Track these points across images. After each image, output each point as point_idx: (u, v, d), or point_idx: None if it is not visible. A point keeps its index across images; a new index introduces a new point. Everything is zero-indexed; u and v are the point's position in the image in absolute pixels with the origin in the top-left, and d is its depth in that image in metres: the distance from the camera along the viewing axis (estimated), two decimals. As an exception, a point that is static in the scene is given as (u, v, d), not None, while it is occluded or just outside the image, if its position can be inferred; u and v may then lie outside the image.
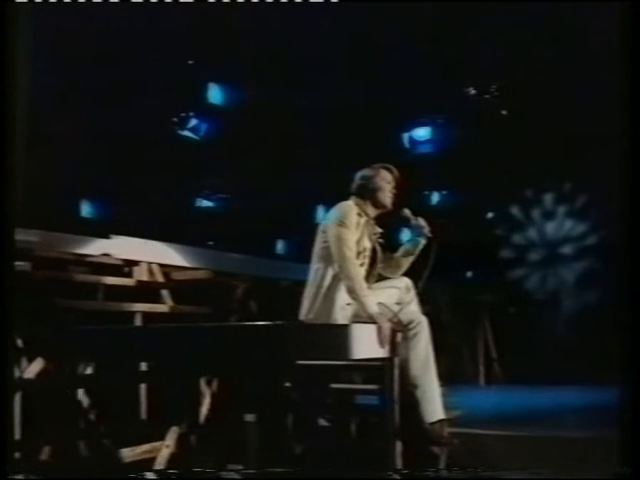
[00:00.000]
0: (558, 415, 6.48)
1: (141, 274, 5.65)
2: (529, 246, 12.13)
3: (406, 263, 4.50)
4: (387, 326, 3.94)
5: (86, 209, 7.44)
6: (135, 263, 5.63)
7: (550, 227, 12.12)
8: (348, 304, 4.11)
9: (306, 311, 4.21)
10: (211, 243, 9.92)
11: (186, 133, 10.34)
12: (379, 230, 4.49)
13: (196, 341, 3.63)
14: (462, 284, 11.55)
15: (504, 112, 12.12)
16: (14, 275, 3.72)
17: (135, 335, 3.83)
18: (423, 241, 4.45)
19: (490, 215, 12.57)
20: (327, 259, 4.20)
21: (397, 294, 4.37)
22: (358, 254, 4.21)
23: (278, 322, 3.40)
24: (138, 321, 4.93)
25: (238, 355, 3.46)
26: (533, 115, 11.14)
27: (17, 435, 4.12)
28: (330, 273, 4.18)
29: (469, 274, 12.16)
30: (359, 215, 4.27)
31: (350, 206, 4.28)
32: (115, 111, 7.50)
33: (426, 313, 4.27)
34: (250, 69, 10.25)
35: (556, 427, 5.56)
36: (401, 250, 4.52)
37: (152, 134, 8.07)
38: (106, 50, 7.59)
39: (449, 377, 9.93)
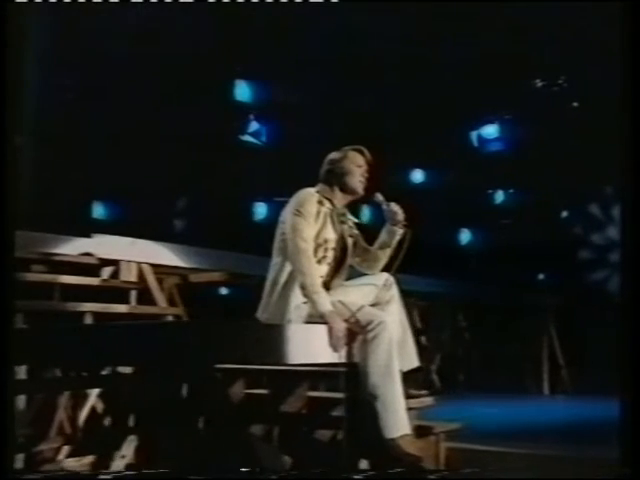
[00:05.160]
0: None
1: (130, 274, 5.33)
2: (600, 247, 11.34)
3: (384, 256, 3.97)
4: (340, 327, 3.45)
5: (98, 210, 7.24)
6: (115, 262, 5.32)
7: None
8: (305, 302, 3.63)
9: (261, 310, 3.77)
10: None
11: (247, 138, 10.09)
12: (353, 219, 3.99)
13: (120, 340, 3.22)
14: (526, 286, 10.89)
15: (575, 104, 11.45)
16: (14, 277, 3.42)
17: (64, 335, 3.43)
18: (400, 230, 3.91)
19: (563, 214, 11.89)
20: (285, 253, 3.73)
21: (374, 292, 3.85)
22: (318, 246, 3.73)
23: (197, 320, 2.97)
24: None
25: (158, 355, 3.03)
26: (607, 106, 10.42)
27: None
28: (288, 268, 3.71)
29: (534, 276, 11.49)
30: (320, 203, 3.78)
31: (309, 193, 3.79)
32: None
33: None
34: (307, 69, 9.98)
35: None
36: (377, 242, 4.00)
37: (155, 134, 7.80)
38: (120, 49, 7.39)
39: (509, 386, 9.46)
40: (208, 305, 6.83)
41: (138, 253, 5.52)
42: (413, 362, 3.89)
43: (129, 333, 3.12)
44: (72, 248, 5.17)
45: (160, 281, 6.60)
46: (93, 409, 4.52)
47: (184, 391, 2.97)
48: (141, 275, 5.42)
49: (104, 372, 4.15)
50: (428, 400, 4.05)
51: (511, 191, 11.89)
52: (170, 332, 3.06)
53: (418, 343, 9.98)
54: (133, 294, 5.33)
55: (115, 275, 5.32)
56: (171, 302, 6.67)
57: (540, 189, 11.17)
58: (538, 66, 11.14)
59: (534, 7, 9.45)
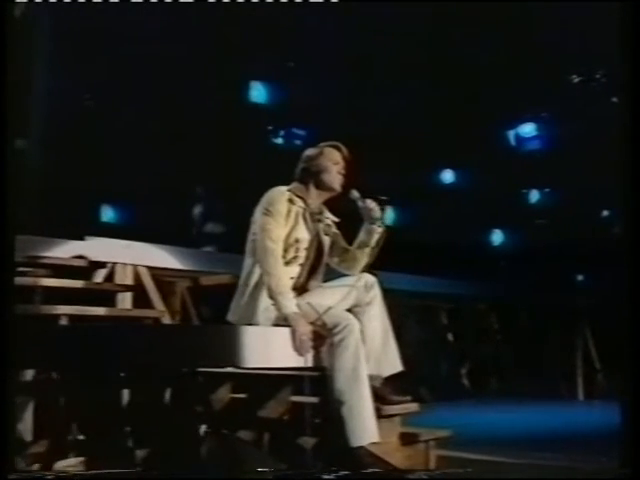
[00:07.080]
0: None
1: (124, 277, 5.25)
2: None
3: (363, 256, 3.81)
4: (304, 330, 3.31)
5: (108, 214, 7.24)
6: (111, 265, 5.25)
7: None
8: (273, 304, 3.49)
9: (231, 312, 3.66)
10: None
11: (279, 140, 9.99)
12: (331, 218, 3.85)
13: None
14: (562, 287, 10.57)
15: (614, 100, 11.13)
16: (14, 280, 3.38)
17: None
18: (378, 229, 3.75)
19: (602, 214, 11.53)
20: (255, 253, 3.61)
21: (353, 293, 3.69)
22: (289, 247, 3.59)
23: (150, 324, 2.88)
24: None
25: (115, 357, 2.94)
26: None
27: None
28: (258, 270, 3.58)
29: (571, 277, 11.15)
30: (290, 202, 3.64)
31: (279, 192, 3.66)
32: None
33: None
34: (339, 70, 9.88)
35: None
36: (356, 241, 3.84)
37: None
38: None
39: (542, 390, 9.17)
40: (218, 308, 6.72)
41: (135, 255, 5.45)
42: (396, 367, 3.73)
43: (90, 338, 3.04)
44: (65, 251, 5.12)
45: (172, 284, 6.53)
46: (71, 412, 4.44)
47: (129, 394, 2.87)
48: (137, 278, 5.34)
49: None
50: (413, 406, 3.87)
51: (547, 190, 11.60)
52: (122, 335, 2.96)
53: (446, 346, 9.75)
54: (128, 297, 5.24)
55: (110, 278, 5.25)
56: (183, 305, 6.61)
57: (577, 188, 10.86)
58: (575, 61, 10.88)
59: (569, 2, 9.23)
